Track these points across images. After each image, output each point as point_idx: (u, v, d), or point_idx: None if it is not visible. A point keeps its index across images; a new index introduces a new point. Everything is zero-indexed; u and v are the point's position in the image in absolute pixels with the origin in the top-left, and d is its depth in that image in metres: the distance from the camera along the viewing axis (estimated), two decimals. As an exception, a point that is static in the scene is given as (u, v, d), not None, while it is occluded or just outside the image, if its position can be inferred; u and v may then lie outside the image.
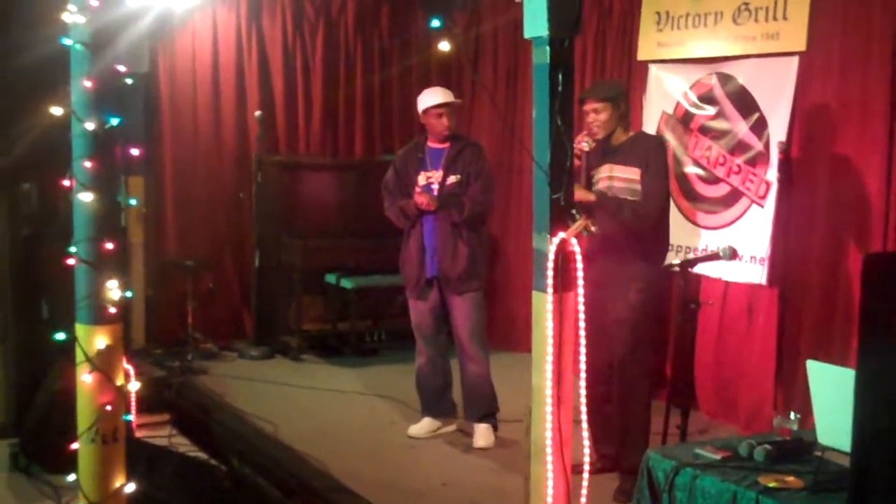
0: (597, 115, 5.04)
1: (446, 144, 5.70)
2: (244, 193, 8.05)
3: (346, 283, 7.71)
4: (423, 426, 5.88)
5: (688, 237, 6.36)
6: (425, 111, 5.70)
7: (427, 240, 5.64)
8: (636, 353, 4.99)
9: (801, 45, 5.74)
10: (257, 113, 7.85)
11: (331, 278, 7.84)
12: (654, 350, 5.43)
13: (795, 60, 5.77)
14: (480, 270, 5.71)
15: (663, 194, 5.04)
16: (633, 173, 4.97)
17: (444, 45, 8.04)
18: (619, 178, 5.01)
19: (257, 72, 8.18)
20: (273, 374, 7.30)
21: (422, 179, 5.68)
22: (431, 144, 5.75)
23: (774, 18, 5.88)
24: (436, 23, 7.90)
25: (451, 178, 5.63)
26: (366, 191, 8.10)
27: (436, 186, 5.64)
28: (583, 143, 4.95)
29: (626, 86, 5.61)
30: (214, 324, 7.99)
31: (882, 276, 2.46)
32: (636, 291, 4.96)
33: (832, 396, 3.44)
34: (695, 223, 6.38)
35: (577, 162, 4.83)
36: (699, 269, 5.63)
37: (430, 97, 5.73)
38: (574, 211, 3.50)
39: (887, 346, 2.47)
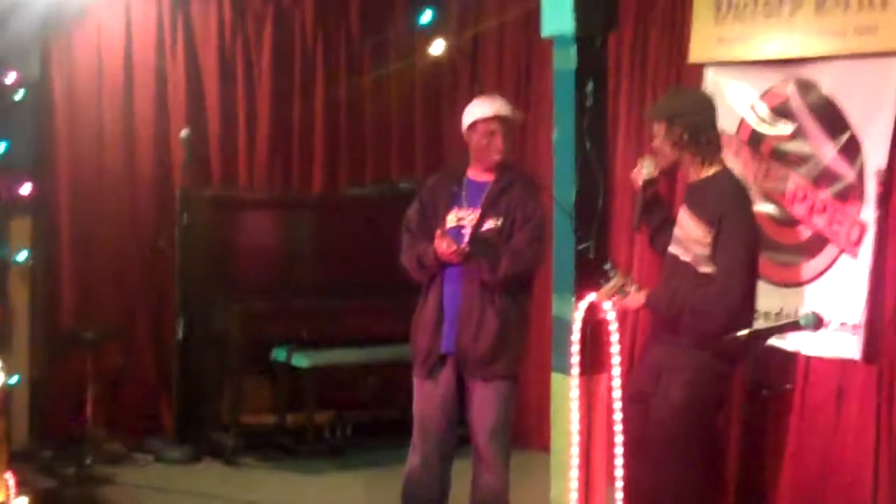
0: (655, 140, 5.12)
1: (492, 177, 5.64)
2: (164, 240, 8.02)
3: (301, 361, 7.68)
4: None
5: (759, 297, 6.34)
6: (472, 126, 5.63)
7: (447, 303, 5.59)
8: (672, 475, 4.99)
9: None
10: (183, 133, 7.85)
11: (280, 354, 7.81)
12: (704, 472, 5.35)
13: None
14: (513, 351, 5.61)
15: (740, 280, 5.04)
16: (702, 232, 5.01)
17: (438, 46, 8.08)
18: (686, 233, 5.07)
19: (184, 78, 8.19)
20: (201, 483, 7.24)
21: (451, 220, 5.63)
22: (473, 175, 5.69)
23: (870, 6, 5.90)
24: (427, 16, 7.92)
25: (490, 223, 5.55)
26: (327, 235, 8.11)
27: (467, 231, 5.60)
28: (642, 169, 5.00)
29: (704, 101, 5.55)
30: (123, 416, 7.94)
31: None
32: (681, 386, 4.97)
33: None
34: (766, 278, 6.36)
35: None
36: (773, 341, 5.61)
37: (481, 107, 5.65)
38: (609, 266, 3.50)
39: None
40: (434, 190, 5.78)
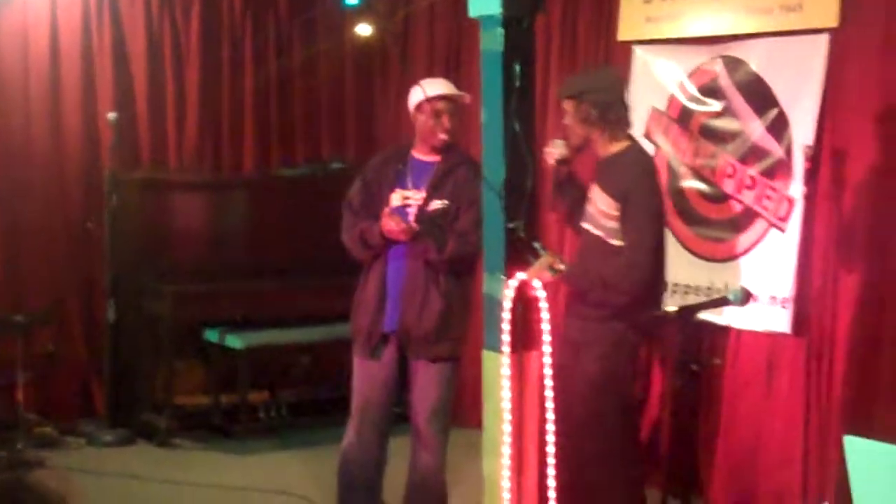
0: (566, 118, 5.17)
1: (437, 157, 5.63)
2: (93, 223, 7.96)
3: (234, 342, 7.67)
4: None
5: (686, 272, 6.42)
6: (419, 106, 5.61)
7: (391, 282, 5.58)
8: (593, 447, 5.05)
9: (831, 20, 5.82)
10: (111, 115, 7.76)
11: (212, 335, 7.80)
12: (623, 442, 5.41)
13: (825, 40, 5.85)
14: (456, 332, 5.61)
15: (648, 254, 5.10)
16: (611, 206, 5.07)
17: (364, 29, 8.08)
18: (596, 209, 5.13)
19: (111, 59, 8.11)
20: (134, 465, 7.21)
21: (395, 199, 5.59)
22: (418, 155, 5.68)
23: (796, -15, 5.97)
24: None
25: (437, 203, 5.52)
26: (259, 216, 8.10)
27: (413, 210, 5.58)
28: (552, 150, 5.03)
29: (612, 78, 5.62)
30: (54, 400, 7.88)
31: None
32: (595, 359, 5.04)
33: (879, 482, 3.46)
34: (696, 253, 6.42)
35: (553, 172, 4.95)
36: (704, 316, 5.64)
37: (429, 87, 5.64)
38: (538, 244, 3.51)
39: None
40: (378, 169, 5.74)
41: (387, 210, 5.51)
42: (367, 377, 5.67)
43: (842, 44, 5.83)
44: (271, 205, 8.19)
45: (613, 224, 5.10)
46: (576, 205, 5.42)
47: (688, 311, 4.90)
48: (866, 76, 5.79)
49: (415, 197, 5.58)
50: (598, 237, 5.22)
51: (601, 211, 5.16)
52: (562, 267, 3.57)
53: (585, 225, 5.31)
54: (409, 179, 5.63)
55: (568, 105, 5.20)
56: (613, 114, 5.22)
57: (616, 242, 5.13)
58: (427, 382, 5.58)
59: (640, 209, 5.07)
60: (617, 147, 5.24)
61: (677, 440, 6.05)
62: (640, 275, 5.07)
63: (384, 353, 5.62)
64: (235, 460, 7.36)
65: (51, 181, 7.98)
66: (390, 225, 5.44)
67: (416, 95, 5.63)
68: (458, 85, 6.07)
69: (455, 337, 5.60)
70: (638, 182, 5.14)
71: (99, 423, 7.81)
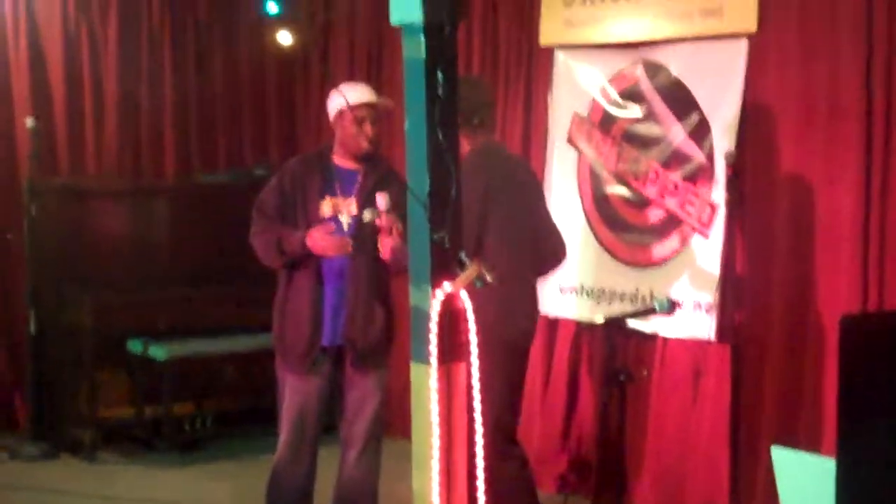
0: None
1: (360, 165, 5.55)
2: (13, 232, 7.90)
3: (157, 353, 7.59)
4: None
5: (612, 278, 6.46)
6: (340, 113, 5.52)
7: (330, 294, 5.48)
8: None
9: (750, 26, 5.87)
10: (29, 121, 7.68)
11: (135, 346, 7.71)
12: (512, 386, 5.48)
13: (744, 45, 5.91)
14: (391, 342, 5.62)
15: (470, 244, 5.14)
16: None
17: (285, 37, 8.02)
18: None
19: (27, 64, 8.04)
20: (58, 480, 7.15)
21: (326, 208, 5.50)
22: (340, 162, 5.58)
23: (716, -10, 6.01)
24: (273, 7, 7.84)
25: (367, 214, 5.35)
26: (181, 224, 8.03)
27: (346, 220, 5.49)
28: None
29: (474, 84, 5.69)
30: (-25, 413, 7.80)
31: (864, 346, 2.52)
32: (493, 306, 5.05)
33: (806, 492, 3.48)
34: (620, 260, 6.45)
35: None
36: (631, 324, 5.67)
37: (350, 93, 5.51)
38: (463, 254, 3.47)
39: (872, 433, 2.52)
40: (299, 175, 5.59)
41: (322, 227, 5.38)
42: (303, 392, 5.57)
43: (761, 49, 5.89)
44: (193, 212, 8.13)
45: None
46: None
47: (615, 321, 4.90)
48: (785, 81, 5.84)
49: (344, 206, 5.50)
50: None
51: None
52: (489, 278, 3.52)
53: None
54: (337, 188, 5.53)
55: None
56: (478, 118, 5.37)
57: None
58: (366, 392, 5.55)
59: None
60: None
61: (606, 448, 6.06)
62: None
63: (322, 368, 5.53)
64: (160, 474, 7.31)
65: (-34, 192, 7.90)
66: (328, 243, 5.33)
67: (337, 102, 5.53)
68: (380, 91, 6.05)
69: (390, 347, 5.61)
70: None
71: (21, 437, 7.75)
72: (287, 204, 5.54)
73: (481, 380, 3.81)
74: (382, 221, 5.23)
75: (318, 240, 5.33)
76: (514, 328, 5.36)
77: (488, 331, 4.60)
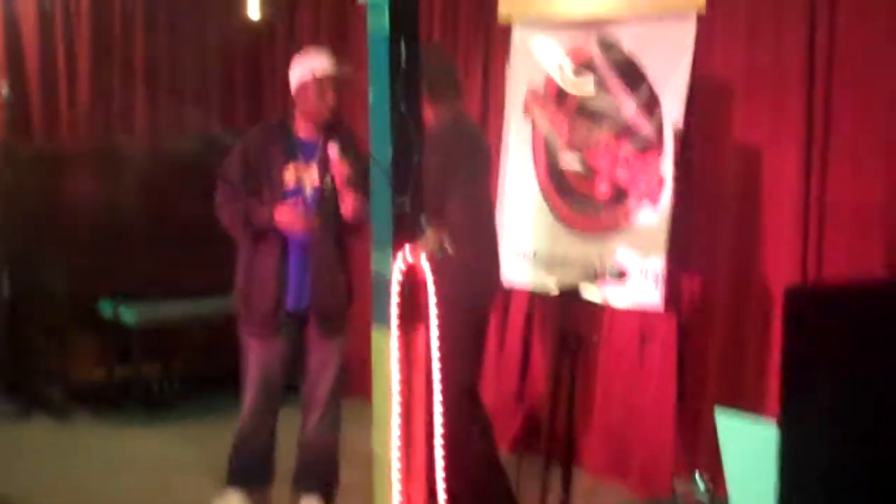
0: None
1: (321, 132, 5.51)
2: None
3: (128, 315, 7.67)
4: (233, 504, 5.81)
5: (562, 246, 6.51)
6: (303, 82, 5.49)
7: (294, 261, 5.51)
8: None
9: (699, 4, 5.90)
10: (3, 87, 7.75)
11: (106, 308, 7.78)
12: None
13: (693, 23, 5.93)
14: (350, 306, 5.72)
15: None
16: None
17: (253, 12, 8.06)
18: None
19: (1, 29, 8.04)
20: (29, 438, 7.21)
21: (289, 175, 5.49)
22: (301, 131, 5.54)
23: (667, -30, 6.07)
24: None
25: (329, 182, 5.43)
26: (152, 188, 8.06)
27: (309, 190, 5.50)
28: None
29: (436, 55, 5.71)
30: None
31: (808, 317, 2.56)
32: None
33: (748, 455, 3.57)
34: (571, 228, 6.52)
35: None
36: (581, 293, 5.77)
37: (311, 62, 5.50)
38: (423, 220, 3.58)
39: (813, 399, 2.59)
40: (260, 144, 5.56)
41: (289, 202, 5.44)
42: (267, 355, 5.61)
43: (709, 27, 5.94)
44: (164, 177, 8.12)
45: None
46: None
47: (566, 291, 4.99)
48: (732, 57, 5.94)
49: (307, 173, 5.50)
50: None
51: None
52: (448, 247, 3.62)
53: None
54: (299, 155, 5.52)
55: None
56: (438, 88, 5.30)
57: None
58: (327, 356, 5.63)
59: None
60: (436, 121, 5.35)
61: (557, 412, 6.21)
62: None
63: (287, 332, 5.59)
64: (130, 433, 7.34)
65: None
66: (293, 219, 5.40)
67: (299, 71, 5.51)
68: (344, 61, 6.08)
69: (349, 310, 5.70)
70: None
71: (-7, 397, 7.76)
72: (251, 172, 5.52)
73: (443, 344, 3.94)
74: (336, 168, 5.30)
75: (286, 214, 5.40)
76: (473, 292, 5.41)
77: (448, 295, 4.75)
